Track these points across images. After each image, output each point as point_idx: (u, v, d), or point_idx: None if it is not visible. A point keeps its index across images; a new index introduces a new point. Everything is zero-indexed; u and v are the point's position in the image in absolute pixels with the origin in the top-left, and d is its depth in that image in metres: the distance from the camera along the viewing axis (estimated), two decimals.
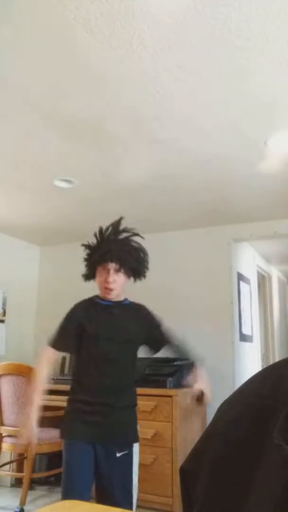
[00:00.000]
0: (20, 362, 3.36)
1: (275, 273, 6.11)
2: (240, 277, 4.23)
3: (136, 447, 1.98)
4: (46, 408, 3.38)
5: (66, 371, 4.20)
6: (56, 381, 3.82)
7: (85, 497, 1.78)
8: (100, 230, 2.08)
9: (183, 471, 0.51)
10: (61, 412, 3.31)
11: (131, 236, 2.07)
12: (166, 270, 4.19)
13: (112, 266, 1.98)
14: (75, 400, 2.01)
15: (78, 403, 1.97)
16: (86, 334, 1.98)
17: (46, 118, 2.30)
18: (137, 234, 2.09)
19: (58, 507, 1.08)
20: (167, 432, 3.13)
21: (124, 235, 2.07)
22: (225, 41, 1.71)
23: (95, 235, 2.08)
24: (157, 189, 3.26)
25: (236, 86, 2.00)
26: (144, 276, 2.10)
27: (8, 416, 3.26)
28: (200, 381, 2.03)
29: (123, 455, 1.91)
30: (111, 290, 1.98)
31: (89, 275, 2.10)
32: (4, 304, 4.37)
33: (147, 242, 4.72)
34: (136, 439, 1.98)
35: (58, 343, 2.03)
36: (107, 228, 2.07)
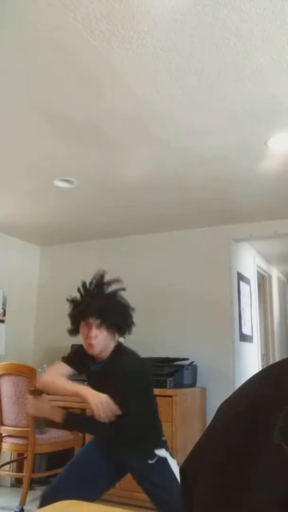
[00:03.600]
0: (20, 362, 3.36)
1: (275, 273, 6.11)
2: (240, 277, 4.23)
3: (163, 451, 2.01)
4: None
5: None
6: None
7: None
8: (84, 284, 2.05)
9: (183, 471, 0.51)
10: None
11: (116, 291, 2.03)
12: (166, 270, 4.20)
13: (93, 321, 1.95)
14: None
15: None
16: None
17: (46, 118, 2.30)
18: (122, 289, 2.04)
19: (58, 507, 1.08)
20: (167, 432, 3.11)
21: (108, 289, 2.03)
22: (225, 41, 1.71)
23: (78, 289, 2.05)
24: (157, 189, 3.26)
25: (236, 86, 2.00)
26: (129, 332, 2.04)
27: (8, 416, 3.25)
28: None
29: (157, 460, 1.95)
30: (92, 345, 1.94)
31: (73, 330, 2.07)
32: (4, 304, 4.37)
33: (147, 242, 4.72)
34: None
35: (70, 359, 2.11)
36: (91, 282, 2.04)
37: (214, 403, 3.62)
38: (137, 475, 1.99)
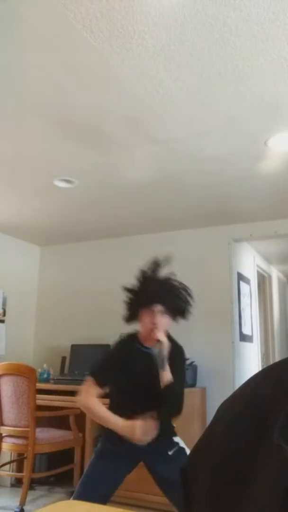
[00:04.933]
0: (20, 362, 3.36)
1: (275, 273, 6.11)
2: (240, 277, 4.23)
3: (180, 440, 2.04)
4: (46, 408, 3.39)
5: (66, 371, 4.20)
6: (56, 381, 3.82)
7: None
8: (142, 272, 2.06)
9: (183, 471, 0.51)
10: (61, 412, 3.32)
11: (171, 275, 2.07)
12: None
13: (157, 308, 1.98)
14: None
15: None
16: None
17: (46, 118, 2.30)
18: (173, 274, 2.10)
19: (58, 507, 1.08)
20: None
21: (163, 275, 2.06)
22: (225, 41, 1.71)
23: (136, 277, 2.06)
24: (157, 189, 3.26)
25: (236, 86, 2.00)
26: (188, 317, 2.09)
27: (8, 416, 3.26)
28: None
29: (176, 451, 1.96)
30: (157, 332, 1.96)
31: (131, 317, 2.07)
32: (4, 304, 4.38)
33: (147, 242, 4.71)
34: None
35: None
36: (146, 271, 2.07)
37: (214, 403, 3.62)
38: (156, 468, 1.97)
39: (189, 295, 2.08)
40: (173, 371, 1.98)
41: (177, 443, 2.02)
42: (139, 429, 1.85)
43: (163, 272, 2.07)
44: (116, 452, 1.96)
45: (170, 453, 1.95)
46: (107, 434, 2.01)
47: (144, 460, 2.00)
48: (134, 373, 2.00)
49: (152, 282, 2.03)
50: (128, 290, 2.07)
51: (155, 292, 2.00)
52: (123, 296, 2.09)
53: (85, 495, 1.80)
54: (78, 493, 1.87)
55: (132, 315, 2.07)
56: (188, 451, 1.98)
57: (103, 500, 1.85)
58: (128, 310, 2.08)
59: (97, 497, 1.78)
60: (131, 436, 1.85)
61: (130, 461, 2.00)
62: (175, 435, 2.07)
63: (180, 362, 2.09)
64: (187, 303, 2.06)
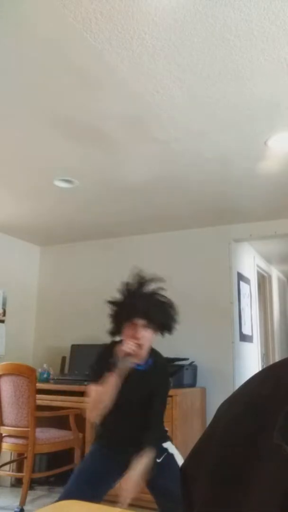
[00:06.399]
0: (20, 362, 3.36)
1: (275, 273, 6.11)
2: (240, 277, 4.23)
3: (169, 445, 2.05)
4: (46, 408, 3.39)
5: (66, 371, 4.20)
6: (56, 381, 3.82)
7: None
8: (126, 284, 2.05)
9: (183, 471, 0.51)
10: (61, 412, 3.32)
11: (157, 290, 2.06)
12: (166, 270, 4.19)
13: (140, 322, 1.97)
14: None
15: None
16: None
17: (46, 118, 2.30)
18: (161, 288, 2.07)
19: (58, 507, 1.08)
20: None
21: (148, 288, 2.04)
22: (225, 41, 1.71)
23: (119, 291, 2.05)
24: (157, 189, 3.26)
25: (236, 86, 2.00)
26: (172, 331, 2.08)
27: (8, 416, 3.26)
28: (127, 478, 1.88)
29: (165, 458, 1.97)
30: (141, 346, 1.96)
31: (116, 331, 2.07)
32: (4, 304, 4.38)
33: (147, 242, 4.71)
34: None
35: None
36: (130, 283, 2.05)
37: (214, 403, 3.62)
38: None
39: (174, 310, 2.08)
40: (152, 389, 2.01)
41: (166, 449, 2.02)
42: (125, 344, 1.92)
43: (149, 286, 2.05)
44: (108, 457, 1.99)
45: (158, 460, 1.95)
46: (100, 438, 2.07)
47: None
48: (124, 387, 2.00)
49: (135, 295, 2.01)
50: (112, 302, 2.06)
51: (138, 305, 1.98)
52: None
53: (73, 494, 1.82)
54: (66, 491, 1.88)
55: (116, 328, 2.06)
56: (178, 456, 2.00)
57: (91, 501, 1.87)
58: (112, 323, 2.07)
59: (85, 497, 1.79)
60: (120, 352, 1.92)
61: (120, 468, 1.98)
62: (165, 440, 2.07)
63: (162, 380, 2.09)
64: (171, 318, 2.06)
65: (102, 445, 2.07)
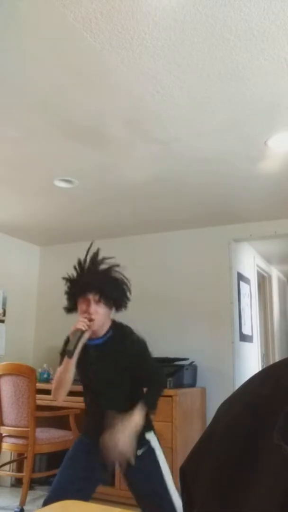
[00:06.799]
0: (20, 362, 3.36)
1: (275, 273, 6.11)
2: (240, 277, 4.23)
3: (152, 436, 1.97)
4: (46, 408, 3.39)
5: None
6: None
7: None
8: (79, 262, 2.07)
9: (183, 471, 0.51)
10: (61, 412, 3.32)
11: (111, 267, 2.06)
12: (166, 270, 4.20)
13: (91, 297, 1.96)
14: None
15: None
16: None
17: (46, 118, 2.30)
18: (116, 265, 2.08)
19: (58, 507, 1.08)
20: (167, 432, 3.13)
21: (103, 266, 2.06)
22: (225, 41, 1.71)
23: (74, 267, 2.07)
24: (157, 189, 3.26)
25: (236, 86, 2.00)
26: (125, 307, 2.06)
27: (8, 416, 3.26)
28: (119, 428, 1.81)
29: (146, 451, 1.91)
30: (92, 320, 1.94)
31: (71, 308, 2.08)
32: (4, 304, 4.38)
33: (147, 242, 4.71)
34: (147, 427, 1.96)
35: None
36: (85, 260, 2.07)
37: (214, 403, 3.62)
38: (123, 468, 1.93)
39: (127, 286, 2.06)
40: (121, 359, 1.96)
41: (147, 441, 1.94)
42: (78, 321, 1.94)
43: (103, 264, 2.07)
44: (89, 451, 1.94)
45: (138, 453, 1.88)
46: (83, 428, 2.06)
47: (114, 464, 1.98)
48: (83, 366, 2.00)
49: (89, 271, 2.03)
50: (66, 279, 2.08)
51: (89, 280, 1.98)
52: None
53: (58, 494, 1.78)
54: (52, 492, 1.85)
55: (71, 304, 2.07)
56: (159, 451, 1.95)
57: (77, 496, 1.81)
58: (67, 300, 2.08)
59: (69, 493, 1.78)
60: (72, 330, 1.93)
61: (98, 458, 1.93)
62: (149, 429, 1.98)
63: (132, 348, 2.00)
64: (124, 294, 2.04)
65: (84, 436, 2.04)
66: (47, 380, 3.96)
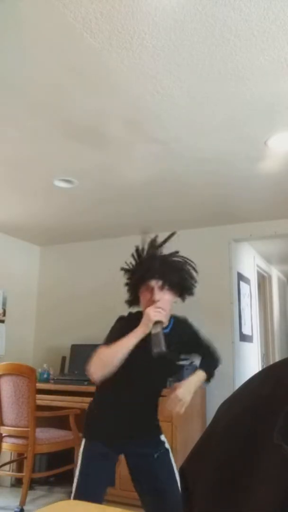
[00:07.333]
0: (20, 362, 3.36)
1: (275, 273, 6.11)
2: (240, 277, 4.23)
3: (164, 439, 1.92)
4: (46, 408, 3.39)
5: (66, 371, 4.20)
6: (56, 381, 3.82)
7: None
8: (137, 249, 1.93)
9: (183, 471, 0.51)
10: (61, 412, 3.32)
11: (172, 252, 1.95)
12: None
13: (155, 283, 1.80)
14: None
15: None
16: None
17: (46, 118, 2.30)
18: (176, 252, 1.96)
19: (58, 507, 1.08)
20: (167, 432, 3.10)
21: (162, 250, 1.93)
22: (225, 41, 1.71)
23: (132, 255, 1.92)
24: (157, 189, 3.26)
25: (236, 86, 2.00)
26: (192, 293, 1.94)
27: (8, 416, 3.26)
28: (181, 384, 1.81)
29: (161, 454, 1.85)
30: (160, 309, 1.76)
31: (133, 300, 1.91)
32: (4, 304, 4.38)
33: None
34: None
35: None
36: (143, 247, 1.93)
37: (214, 403, 3.62)
38: (137, 470, 1.85)
39: (192, 270, 1.94)
40: (187, 343, 1.95)
41: (163, 442, 1.90)
42: (151, 312, 1.73)
43: (163, 249, 1.95)
44: (105, 453, 1.80)
45: (155, 456, 1.84)
46: (92, 436, 1.85)
47: (127, 457, 1.87)
48: (137, 356, 1.73)
49: (149, 257, 1.88)
50: (125, 270, 1.93)
51: (152, 266, 1.82)
52: (124, 295, 1.99)
53: (87, 496, 1.65)
54: (79, 495, 1.74)
55: (133, 296, 1.90)
56: (170, 453, 1.90)
57: (101, 500, 1.77)
58: (128, 291, 1.91)
59: (97, 499, 1.70)
60: (148, 322, 1.72)
61: (114, 460, 1.87)
62: (161, 432, 1.93)
63: (190, 330, 2.03)
64: (190, 277, 1.91)
65: (101, 444, 1.81)
66: (47, 380, 3.96)
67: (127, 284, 1.92)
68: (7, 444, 3.25)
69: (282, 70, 1.88)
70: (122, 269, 1.93)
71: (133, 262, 1.92)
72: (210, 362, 2.00)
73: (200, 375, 1.88)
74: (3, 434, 3.26)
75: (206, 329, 3.88)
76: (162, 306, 1.77)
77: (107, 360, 1.74)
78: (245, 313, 4.27)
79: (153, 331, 1.71)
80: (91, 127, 2.38)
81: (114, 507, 1.05)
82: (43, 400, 3.42)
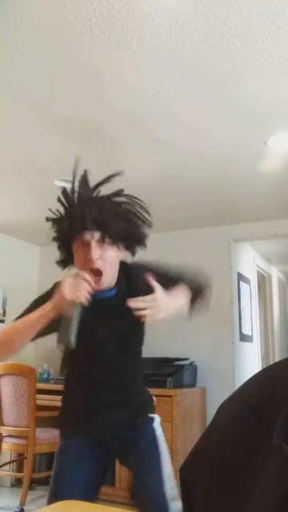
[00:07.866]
0: (20, 362, 3.36)
1: (275, 273, 6.11)
2: (240, 277, 4.23)
3: (157, 418, 1.56)
4: (46, 408, 3.39)
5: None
6: (56, 381, 3.82)
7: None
8: (64, 192, 1.48)
9: (183, 471, 0.51)
10: None
11: (112, 193, 1.50)
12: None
13: (91, 236, 1.36)
14: None
15: None
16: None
17: (46, 119, 2.30)
18: (120, 190, 1.50)
19: (58, 507, 1.08)
20: (167, 432, 3.10)
21: (98, 192, 1.48)
22: (225, 41, 1.71)
23: (58, 200, 1.46)
24: (157, 189, 3.26)
25: (236, 86, 2.00)
26: (144, 244, 1.54)
27: (8, 416, 3.25)
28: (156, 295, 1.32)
29: (146, 425, 1.51)
30: (98, 270, 1.35)
31: (65, 260, 1.50)
32: (4, 304, 4.37)
33: (147, 242, 4.67)
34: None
35: None
36: (73, 188, 1.49)
37: (214, 403, 3.62)
38: (127, 452, 1.52)
39: (142, 214, 1.52)
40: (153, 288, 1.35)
41: (152, 418, 1.56)
42: (67, 289, 1.30)
43: (102, 189, 1.50)
44: (82, 445, 1.50)
45: (139, 421, 1.52)
46: (66, 430, 1.60)
47: (115, 445, 1.54)
48: (87, 329, 1.35)
49: (80, 201, 1.44)
50: (51, 220, 1.46)
51: (84, 213, 1.36)
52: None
53: (60, 495, 1.36)
54: (52, 492, 1.44)
55: (64, 254, 1.48)
56: (160, 438, 1.60)
57: (86, 497, 1.33)
58: (59, 249, 1.49)
59: (76, 496, 1.31)
60: (60, 302, 1.32)
61: (100, 452, 1.52)
62: (153, 411, 1.59)
63: (148, 270, 1.49)
64: (136, 225, 1.51)
65: (76, 441, 1.51)
66: (47, 380, 3.96)
67: (55, 239, 1.47)
68: (7, 444, 3.25)
69: (282, 70, 1.88)
70: (48, 219, 1.48)
71: (61, 209, 1.46)
72: (192, 285, 1.57)
73: (183, 295, 1.49)
74: (3, 434, 3.26)
75: (206, 329, 3.90)
76: (101, 265, 1.36)
77: (8, 338, 1.48)
78: (245, 313, 4.27)
79: (66, 314, 1.29)
80: (91, 127, 2.38)
81: (114, 507, 1.05)
82: (43, 400, 3.42)
